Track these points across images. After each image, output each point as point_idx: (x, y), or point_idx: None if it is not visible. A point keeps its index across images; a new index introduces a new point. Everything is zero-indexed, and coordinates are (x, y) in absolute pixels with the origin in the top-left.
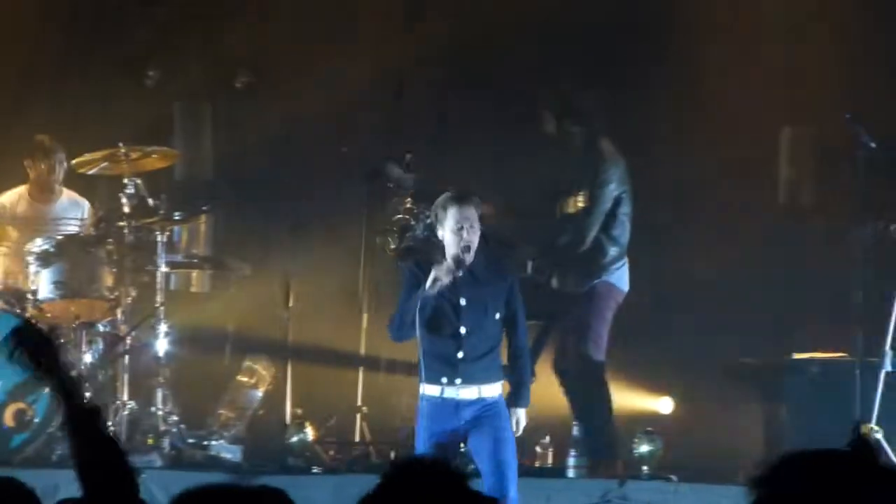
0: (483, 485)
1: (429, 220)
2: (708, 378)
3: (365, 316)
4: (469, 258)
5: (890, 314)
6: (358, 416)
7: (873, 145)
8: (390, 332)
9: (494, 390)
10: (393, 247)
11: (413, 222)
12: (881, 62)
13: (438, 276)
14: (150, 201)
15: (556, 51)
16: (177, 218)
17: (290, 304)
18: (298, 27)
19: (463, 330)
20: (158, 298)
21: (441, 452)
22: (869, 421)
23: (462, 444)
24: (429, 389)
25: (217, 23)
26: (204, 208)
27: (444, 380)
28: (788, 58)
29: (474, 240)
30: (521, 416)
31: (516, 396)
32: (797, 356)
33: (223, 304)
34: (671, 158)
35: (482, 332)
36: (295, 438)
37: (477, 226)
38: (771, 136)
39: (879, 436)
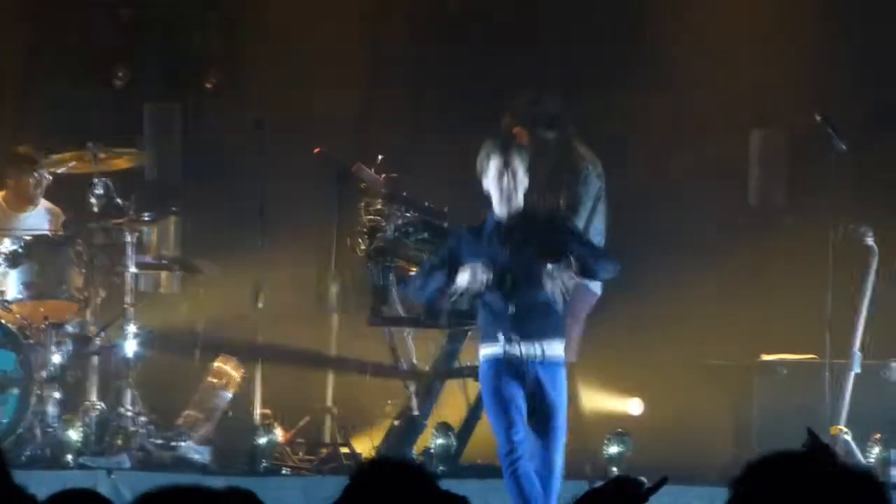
0: (531, 446)
1: (400, 221)
2: (678, 379)
3: (335, 317)
4: (514, 205)
5: (859, 316)
6: (328, 417)
7: (844, 147)
8: (410, 293)
9: (557, 349)
10: (363, 248)
11: (384, 223)
12: (852, 64)
13: (468, 285)
14: (120, 202)
15: (525, 52)
16: (146, 219)
17: (260, 304)
18: (268, 27)
19: (510, 279)
20: (127, 299)
21: (510, 407)
22: (838, 422)
23: (526, 403)
24: (488, 349)
25: (186, 24)
26: (173, 209)
27: (501, 336)
28: (760, 59)
29: (518, 188)
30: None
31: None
32: (766, 357)
33: (192, 305)
34: (642, 159)
35: (532, 281)
36: (264, 439)
37: (522, 174)
38: (742, 136)
39: (848, 437)
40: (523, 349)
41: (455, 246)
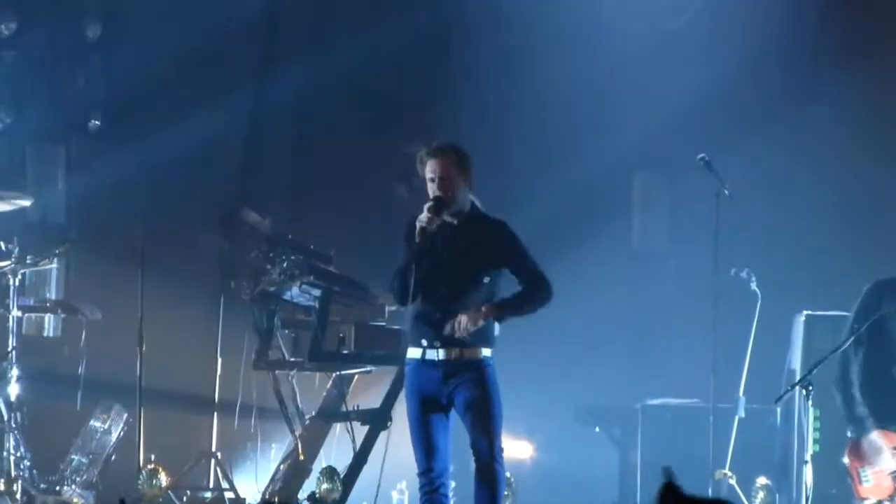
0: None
1: (285, 265)
2: (564, 422)
3: (220, 360)
4: (446, 204)
5: (743, 361)
6: (212, 461)
7: (727, 192)
8: (394, 297)
9: (477, 353)
10: (248, 291)
11: (269, 266)
12: (737, 109)
13: (422, 225)
14: (2, 245)
15: (408, 97)
16: (29, 261)
17: (143, 348)
18: (152, 70)
19: (444, 290)
20: (11, 342)
21: (428, 418)
22: (723, 466)
23: (449, 408)
24: (411, 352)
25: (69, 66)
26: (56, 252)
27: (425, 342)
28: (642, 102)
29: (447, 192)
30: (470, 316)
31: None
32: (651, 401)
33: (75, 349)
34: (524, 203)
35: (466, 293)
36: (148, 484)
37: (453, 179)
38: (624, 179)
39: (733, 481)
40: (441, 354)
41: (408, 234)
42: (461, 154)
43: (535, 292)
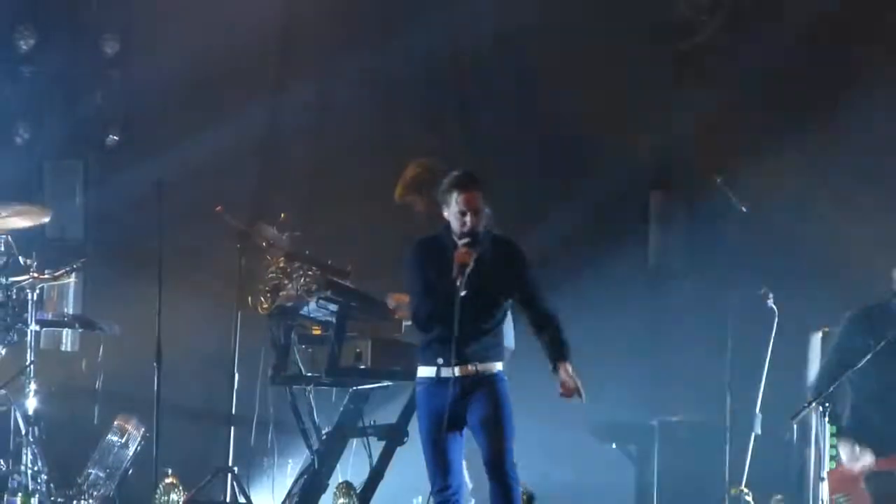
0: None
1: (302, 280)
2: (581, 439)
3: (237, 375)
4: (479, 238)
5: (760, 378)
6: (229, 476)
7: (744, 210)
8: (417, 325)
9: (491, 367)
10: (266, 306)
11: (286, 282)
12: (754, 126)
13: (466, 265)
14: (21, 259)
15: (425, 115)
16: (47, 276)
17: (161, 362)
18: (169, 86)
19: (461, 313)
20: (28, 357)
21: (442, 435)
22: (739, 483)
23: (462, 425)
24: (425, 371)
25: (87, 82)
26: (75, 266)
27: (441, 360)
28: (660, 120)
29: (478, 226)
30: (566, 368)
31: (555, 353)
32: (668, 418)
33: (92, 363)
34: (542, 220)
35: (482, 316)
36: (165, 498)
37: (482, 212)
38: (641, 197)
39: (749, 498)
40: (457, 371)
41: (422, 260)
42: (483, 185)
43: (558, 318)
